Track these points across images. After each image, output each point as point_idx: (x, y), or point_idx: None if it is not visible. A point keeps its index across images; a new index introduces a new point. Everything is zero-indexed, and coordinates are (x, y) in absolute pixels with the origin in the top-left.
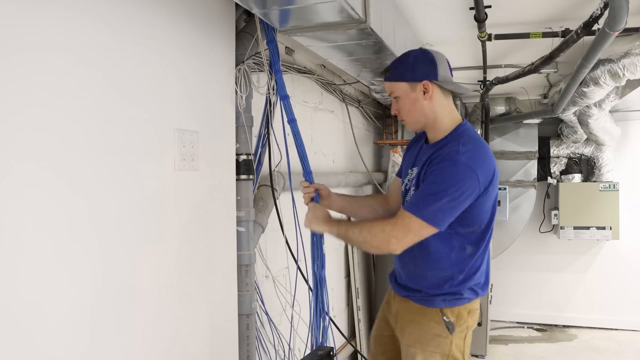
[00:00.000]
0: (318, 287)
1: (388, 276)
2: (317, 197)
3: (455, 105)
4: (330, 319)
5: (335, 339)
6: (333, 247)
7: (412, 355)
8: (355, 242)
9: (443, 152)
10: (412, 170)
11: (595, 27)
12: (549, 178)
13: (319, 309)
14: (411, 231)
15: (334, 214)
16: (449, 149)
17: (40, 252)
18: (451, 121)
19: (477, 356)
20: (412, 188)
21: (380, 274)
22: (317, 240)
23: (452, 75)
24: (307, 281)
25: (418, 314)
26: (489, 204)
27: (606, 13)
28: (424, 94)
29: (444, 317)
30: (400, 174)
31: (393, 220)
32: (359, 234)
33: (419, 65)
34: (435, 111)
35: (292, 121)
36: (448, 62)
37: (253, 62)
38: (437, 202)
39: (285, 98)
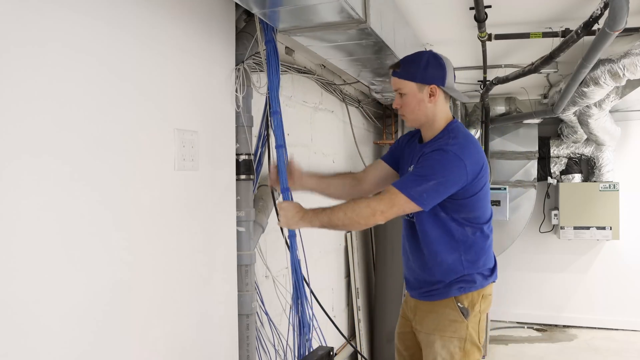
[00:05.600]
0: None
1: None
2: (287, 192)
3: (455, 105)
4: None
5: (335, 339)
6: (333, 247)
7: (432, 342)
8: (341, 225)
9: (435, 145)
10: (410, 169)
11: (595, 27)
12: (549, 178)
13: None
14: (395, 205)
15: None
16: (440, 142)
17: (40, 251)
18: (445, 121)
19: None
20: None
21: (380, 274)
22: (290, 240)
23: (454, 81)
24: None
25: (435, 304)
26: (482, 194)
27: (606, 13)
28: (430, 96)
29: (459, 304)
30: (386, 158)
31: (379, 196)
32: (345, 216)
33: (431, 69)
34: (436, 113)
35: (275, 113)
36: (453, 69)
37: (253, 62)
38: (424, 183)
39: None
